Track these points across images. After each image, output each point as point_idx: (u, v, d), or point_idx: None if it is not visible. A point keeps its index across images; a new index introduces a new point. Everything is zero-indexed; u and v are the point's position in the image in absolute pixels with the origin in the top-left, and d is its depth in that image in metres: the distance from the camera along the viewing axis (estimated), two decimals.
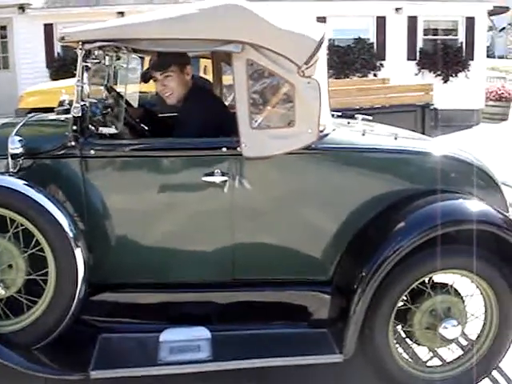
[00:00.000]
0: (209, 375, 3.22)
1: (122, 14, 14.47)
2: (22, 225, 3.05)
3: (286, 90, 3.11)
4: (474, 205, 3.29)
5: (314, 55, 3.05)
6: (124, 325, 3.35)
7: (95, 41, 3.04)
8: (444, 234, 3.15)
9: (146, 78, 3.64)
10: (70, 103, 3.98)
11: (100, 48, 3.12)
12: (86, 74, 3.10)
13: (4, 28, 15.50)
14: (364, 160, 3.32)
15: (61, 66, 14.75)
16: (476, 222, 3.19)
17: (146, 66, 3.79)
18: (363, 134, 3.43)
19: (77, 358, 3.14)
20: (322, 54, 3.25)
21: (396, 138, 3.48)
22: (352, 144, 3.34)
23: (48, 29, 15.11)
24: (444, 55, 14.86)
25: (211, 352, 3.13)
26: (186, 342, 3.21)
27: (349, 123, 3.87)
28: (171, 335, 3.24)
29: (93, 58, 3.14)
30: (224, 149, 3.14)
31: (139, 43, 3.08)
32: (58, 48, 15.26)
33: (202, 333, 3.25)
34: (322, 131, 3.20)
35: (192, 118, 3.42)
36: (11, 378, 3.24)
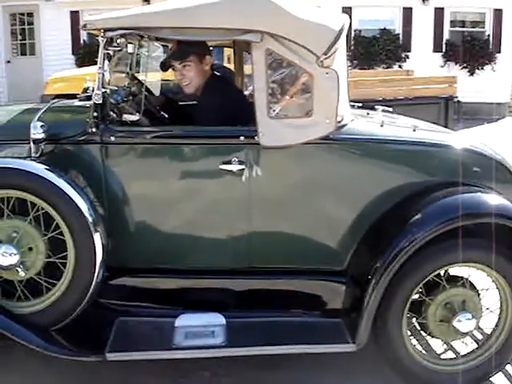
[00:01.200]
0: (223, 361, 3.28)
1: (147, 1, 14.53)
2: (42, 208, 3.10)
3: (305, 79, 3.11)
4: (492, 199, 3.27)
5: (332, 46, 3.06)
6: (141, 309, 3.40)
7: (117, 29, 3.08)
8: (461, 227, 3.14)
9: (165, 66, 3.66)
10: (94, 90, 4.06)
11: (122, 36, 3.16)
12: (107, 62, 3.14)
13: (31, 15, 15.65)
14: (381, 151, 3.32)
15: (86, 52, 14.86)
16: (494, 215, 3.18)
17: None
18: (381, 126, 3.43)
19: (94, 341, 3.20)
20: (342, 45, 3.25)
21: (415, 130, 3.47)
22: (370, 135, 3.34)
23: (74, 16, 15.23)
24: (470, 47, 14.68)
25: (225, 338, 3.17)
26: (201, 327, 3.25)
27: (368, 114, 3.87)
28: (186, 320, 3.29)
29: (115, 46, 3.18)
30: (242, 137, 3.16)
31: (160, 32, 3.11)
32: (83, 35, 15.38)
33: (216, 319, 3.29)
34: (339, 122, 3.21)
35: (210, 106, 3.45)
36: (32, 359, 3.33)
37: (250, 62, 3.10)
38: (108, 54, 3.13)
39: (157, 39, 3.39)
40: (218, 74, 3.75)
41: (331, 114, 3.12)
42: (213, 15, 3.05)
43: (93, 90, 3.75)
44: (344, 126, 3.27)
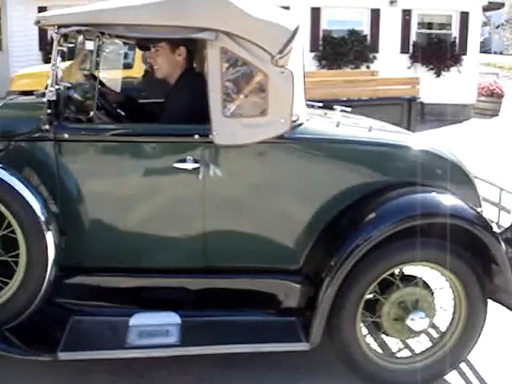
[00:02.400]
0: (180, 360, 3.27)
1: None
2: None
3: (260, 79, 3.11)
4: (446, 199, 3.32)
5: (287, 45, 3.06)
6: (96, 308, 3.37)
7: (71, 25, 3.05)
8: (415, 226, 3.18)
9: (141, 47, 3.66)
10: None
11: (79, 32, 3.13)
12: (59, 58, 3.10)
13: None
14: (336, 151, 3.33)
15: None
16: (448, 216, 3.22)
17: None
18: (337, 125, 3.44)
19: (47, 340, 3.17)
20: (297, 45, 3.26)
21: (370, 130, 3.50)
22: (325, 135, 3.35)
23: (42, 11, 15.01)
24: (437, 49, 14.85)
25: (179, 337, 3.16)
26: (155, 326, 3.24)
27: (326, 114, 3.88)
28: (141, 319, 3.27)
29: (70, 42, 3.15)
30: (196, 136, 3.15)
31: (114, 28, 3.10)
32: (51, 31, 15.17)
33: (171, 318, 3.28)
34: (294, 121, 3.21)
35: (178, 101, 3.44)
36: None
37: (205, 61, 3.09)
38: (62, 50, 3.10)
39: (111, 36, 3.36)
40: (194, 69, 3.73)
41: (286, 113, 3.12)
42: (168, 13, 3.04)
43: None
44: (299, 125, 3.27)
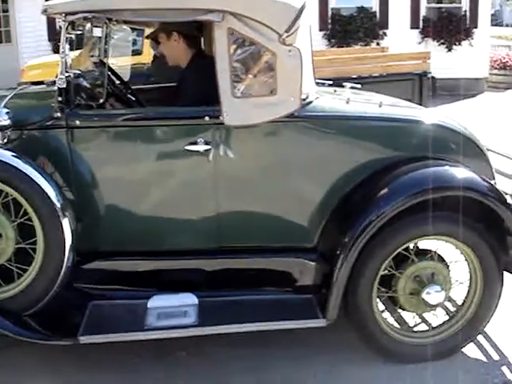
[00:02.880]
0: (200, 340, 3.31)
1: None
2: (10, 195, 3.10)
3: (268, 58, 3.11)
4: (459, 172, 3.32)
5: (294, 23, 3.05)
6: (113, 292, 3.42)
7: (77, 12, 3.07)
8: (428, 200, 3.18)
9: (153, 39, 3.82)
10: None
11: (86, 19, 3.14)
12: (68, 46, 3.12)
13: (5, 1, 15.42)
14: (347, 127, 3.34)
15: None
16: (461, 188, 3.22)
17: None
18: (347, 102, 3.44)
19: (67, 324, 3.23)
20: (304, 22, 3.25)
21: (380, 106, 3.49)
22: (335, 111, 3.36)
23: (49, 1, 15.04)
24: (447, 23, 14.64)
25: (197, 317, 3.20)
26: (174, 308, 3.28)
27: (335, 91, 3.88)
28: (159, 301, 3.31)
29: (78, 30, 3.17)
30: (206, 118, 3.16)
31: (121, 14, 3.11)
32: (59, 21, 15.20)
33: (189, 299, 3.32)
34: (304, 99, 3.22)
35: (189, 86, 3.48)
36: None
37: (213, 42, 3.10)
38: (70, 38, 3.12)
39: (119, 22, 3.37)
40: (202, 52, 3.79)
41: (295, 91, 3.13)
42: None
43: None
44: (309, 103, 3.28)
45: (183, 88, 3.54)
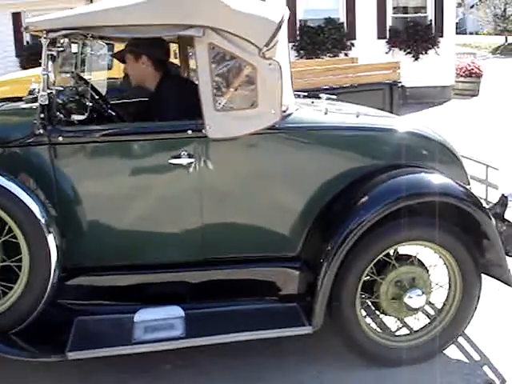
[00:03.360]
0: (186, 352, 3.32)
1: (91, 0, 14.35)
2: None
3: (248, 72, 3.17)
4: (435, 178, 3.40)
5: (274, 37, 3.12)
6: (99, 307, 3.42)
7: (59, 29, 3.08)
8: (407, 206, 3.26)
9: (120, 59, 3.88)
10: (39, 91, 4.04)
11: (65, 36, 3.16)
12: (50, 63, 3.13)
13: None
14: (326, 138, 3.41)
15: (30, 54, 14.60)
16: (438, 194, 3.31)
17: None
18: (325, 113, 3.51)
19: (54, 341, 3.21)
20: (283, 36, 3.32)
21: (358, 116, 3.57)
22: (314, 123, 3.43)
23: (16, 17, 14.97)
24: (414, 33, 14.92)
25: (185, 329, 3.21)
26: (160, 320, 3.29)
27: (313, 103, 3.95)
28: (145, 315, 3.32)
29: (58, 46, 3.18)
30: (189, 131, 3.20)
31: (103, 30, 3.12)
32: (27, 36, 15.12)
33: (175, 311, 3.33)
34: (284, 111, 3.28)
35: (166, 106, 3.52)
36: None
37: (194, 57, 3.14)
38: (52, 55, 3.13)
39: (100, 38, 3.40)
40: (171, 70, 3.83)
41: (276, 104, 3.19)
42: (154, 11, 3.08)
43: (38, 92, 3.77)
44: (289, 115, 3.34)
45: (159, 109, 3.56)
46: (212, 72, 3.13)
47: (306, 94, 4.27)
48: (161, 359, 3.52)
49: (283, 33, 3.30)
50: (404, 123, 3.70)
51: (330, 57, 14.42)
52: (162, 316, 3.32)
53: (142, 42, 3.59)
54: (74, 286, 3.40)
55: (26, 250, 3.08)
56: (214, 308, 3.41)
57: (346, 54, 14.66)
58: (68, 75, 3.80)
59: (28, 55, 14.71)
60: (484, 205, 3.52)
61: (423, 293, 3.40)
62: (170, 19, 3.10)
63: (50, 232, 3.08)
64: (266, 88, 3.16)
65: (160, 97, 3.61)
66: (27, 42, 15.12)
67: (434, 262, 3.51)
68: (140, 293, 3.45)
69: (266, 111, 3.19)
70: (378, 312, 3.59)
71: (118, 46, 5.35)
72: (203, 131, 3.17)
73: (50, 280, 3.11)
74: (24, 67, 14.15)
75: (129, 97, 4.90)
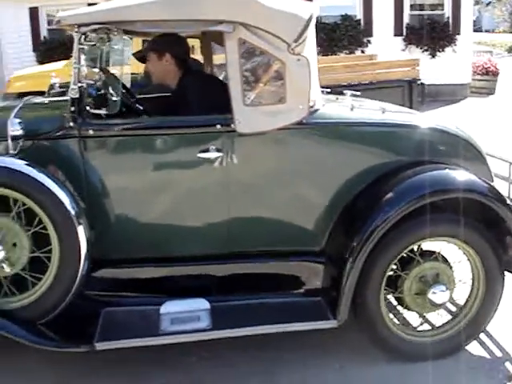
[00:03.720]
0: (208, 345, 3.37)
1: None
2: (24, 204, 3.14)
3: (277, 67, 3.20)
4: (459, 175, 3.42)
5: (303, 33, 3.16)
6: (125, 299, 3.46)
7: (91, 23, 3.13)
8: (431, 203, 3.28)
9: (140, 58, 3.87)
10: (61, 86, 4.10)
11: (94, 30, 3.20)
12: (83, 56, 3.18)
13: None
14: (353, 134, 3.44)
15: (47, 49, 14.73)
16: (462, 190, 3.33)
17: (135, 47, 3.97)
18: (352, 109, 3.53)
19: (81, 332, 3.26)
20: (311, 32, 3.35)
21: (384, 112, 3.59)
22: (341, 118, 3.46)
23: (33, 12, 15.05)
24: (431, 30, 14.85)
25: (210, 321, 3.26)
26: (186, 313, 3.33)
27: (337, 99, 3.97)
28: (171, 307, 3.36)
29: (88, 41, 3.22)
30: (218, 126, 3.24)
31: (134, 25, 3.17)
32: (44, 31, 15.22)
33: (201, 304, 3.38)
34: (312, 107, 3.31)
35: (187, 99, 3.54)
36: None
37: (224, 52, 3.17)
38: (82, 48, 3.17)
39: (129, 33, 3.44)
40: (192, 66, 3.86)
41: (304, 99, 3.22)
42: (185, 7, 3.11)
43: (60, 86, 3.84)
44: (316, 110, 3.37)
45: (182, 105, 3.57)
46: (241, 67, 3.16)
47: (329, 90, 4.28)
48: (186, 351, 3.55)
49: (312, 29, 3.32)
50: (429, 120, 3.72)
51: (345, 54, 14.40)
52: (188, 308, 3.36)
53: (164, 40, 3.66)
54: (101, 277, 3.44)
55: (56, 241, 3.13)
56: (239, 301, 3.44)
57: (362, 51, 14.64)
58: (96, 69, 3.85)
59: (45, 50, 14.81)
60: (508, 201, 3.52)
61: (447, 288, 3.42)
62: (201, 15, 3.13)
63: (80, 223, 3.12)
64: (294, 83, 3.19)
65: (182, 93, 3.65)
66: (44, 37, 15.21)
67: (458, 258, 3.52)
68: (166, 285, 3.50)
69: (294, 106, 3.22)
70: (400, 307, 3.61)
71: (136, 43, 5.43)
72: (232, 126, 3.21)
73: (79, 272, 3.15)
74: (41, 62, 14.25)
75: (149, 92, 4.94)
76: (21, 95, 9.45)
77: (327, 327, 3.30)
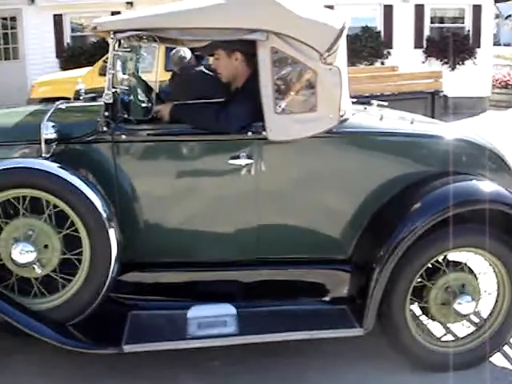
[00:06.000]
0: (232, 350, 3.40)
1: (130, 4, 14.55)
2: (57, 206, 3.19)
3: (309, 76, 3.24)
4: (485, 186, 3.43)
5: (335, 43, 3.20)
6: (152, 302, 3.51)
7: (126, 30, 3.18)
8: (457, 213, 3.29)
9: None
10: (87, 92, 4.17)
11: (128, 37, 3.25)
12: (118, 62, 3.24)
13: (13, 19, 15.58)
14: (382, 143, 3.47)
15: (70, 56, 14.87)
16: (488, 201, 3.33)
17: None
18: (381, 119, 3.57)
19: (109, 334, 3.30)
20: (343, 42, 3.38)
21: (412, 123, 3.62)
22: (371, 128, 3.49)
23: (57, 19, 15.21)
24: (451, 43, 14.88)
25: (237, 327, 3.29)
26: (213, 317, 3.37)
27: (365, 109, 4.01)
28: (198, 311, 3.40)
29: (123, 47, 3.28)
30: (249, 133, 3.28)
31: (169, 32, 3.21)
32: (67, 38, 15.37)
33: (227, 309, 3.41)
34: (342, 116, 3.34)
35: (242, 103, 3.42)
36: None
37: (256, 61, 3.21)
38: (117, 55, 3.23)
39: (165, 40, 3.49)
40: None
41: (334, 108, 3.26)
42: (220, 15, 3.17)
43: (86, 92, 3.88)
44: (346, 120, 3.41)
45: (235, 101, 3.44)
46: (273, 75, 3.20)
47: (354, 100, 4.31)
48: (210, 356, 3.58)
49: (343, 39, 3.36)
50: (456, 131, 3.74)
51: (366, 65, 14.42)
52: (215, 313, 3.39)
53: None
54: (129, 281, 3.49)
55: (87, 243, 3.17)
56: (265, 307, 3.47)
57: (382, 63, 14.65)
58: (128, 76, 3.90)
59: (68, 57, 14.95)
60: None
61: (473, 299, 3.42)
62: (235, 23, 3.18)
63: (111, 226, 3.17)
64: (325, 92, 3.23)
65: (244, 95, 3.47)
66: (67, 44, 15.36)
67: (484, 269, 3.52)
68: (192, 290, 3.53)
69: (325, 115, 3.26)
70: (425, 317, 3.61)
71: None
72: (263, 133, 3.25)
73: (109, 274, 3.19)
74: (64, 68, 14.37)
75: (174, 99, 4.99)
76: (44, 100, 9.58)
77: (354, 335, 3.31)
